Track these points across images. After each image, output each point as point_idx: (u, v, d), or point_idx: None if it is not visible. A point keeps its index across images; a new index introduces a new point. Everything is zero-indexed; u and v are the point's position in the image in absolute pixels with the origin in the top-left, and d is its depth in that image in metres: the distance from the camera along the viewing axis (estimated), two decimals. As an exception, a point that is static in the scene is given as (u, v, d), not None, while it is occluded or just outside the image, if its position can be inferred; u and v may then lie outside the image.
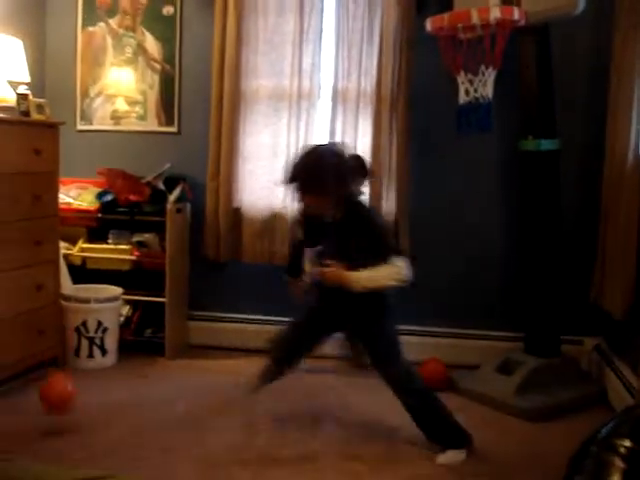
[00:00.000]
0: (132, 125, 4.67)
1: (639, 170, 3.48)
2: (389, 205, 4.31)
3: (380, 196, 4.29)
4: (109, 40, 4.66)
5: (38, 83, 4.54)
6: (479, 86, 3.64)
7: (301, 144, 4.37)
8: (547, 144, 3.82)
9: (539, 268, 3.96)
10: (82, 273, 4.45)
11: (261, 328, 4.54)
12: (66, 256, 4.39)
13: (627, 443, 1.27)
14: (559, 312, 3.96)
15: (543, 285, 3.95)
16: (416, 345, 4.28)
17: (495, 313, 4.40)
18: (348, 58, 4.31)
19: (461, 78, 3.69)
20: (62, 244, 4.30)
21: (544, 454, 3.12)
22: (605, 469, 1.24)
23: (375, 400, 3.78)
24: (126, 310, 4.50)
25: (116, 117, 4.68)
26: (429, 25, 3.68)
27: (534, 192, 3.93)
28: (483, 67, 3.61)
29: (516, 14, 3.53)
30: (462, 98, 3.71)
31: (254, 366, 3.48)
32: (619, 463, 1.24)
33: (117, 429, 3.30)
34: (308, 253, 3.34)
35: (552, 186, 3.90)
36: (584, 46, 4.19)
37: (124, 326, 4.43)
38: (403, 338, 4.13)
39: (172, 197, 4.32)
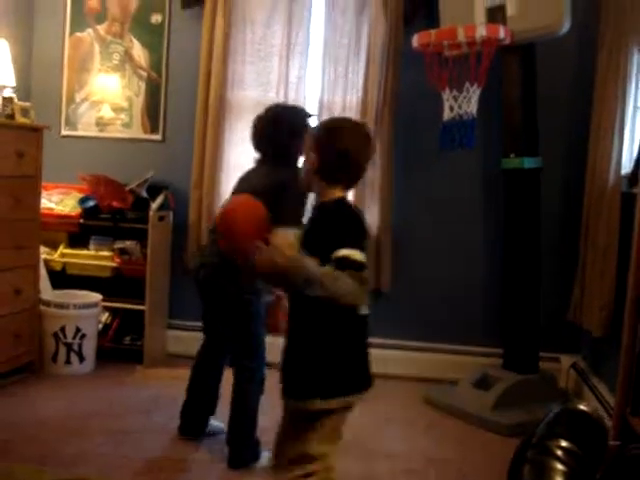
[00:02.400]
0: (117, 132, 4.66)
1: (620, 190, 3.52)
2: (372, 218, 4.32)
3: (363, 210, 4.30)
4: (96, 46, 4.66)
5: (24, 87, 4.54)
6: (463, 103, 3.67)
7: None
8: (530, 162, 3.85)
9: (519, 285, 3.98)
10: (62, 278, 4.42)
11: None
12: (46, 261, 4.36)
13: (563, 443, 1.26)
14: (538, 329, 3.98)
15: (523, 302, 3.97)
16: (396, 359, 4.30)
17: (475, 328, 4.41)
18: (335, 72, 4.35)
19: (446, 95, 3.73)
20: (43, 249, 4.28)
21: (519, 470, 3.12)
22: (545, 474, 1.23)
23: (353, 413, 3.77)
24: (105, 317, 4.48)
25: (101, 124, 4.68)
26: (415, 41, 3.71)
27: (516, 210, 3.96)
28: (468, 84, 3.66)
29: (502, 33, 3.57)
30: (446, 114, 3.74)
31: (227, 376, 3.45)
32: (558, 466, 1.23)
33: (90, 437, 3.26)
34: None
35: (534, 204, 3.93)
36: (569, 65, 4.24)
37: (102, 333, 4.40)
38: (384, 352, 4.14)
39: (155, 205, 4.31)
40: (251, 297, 2.99)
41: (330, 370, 2.03)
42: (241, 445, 3.06)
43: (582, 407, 1.34)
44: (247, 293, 2.96)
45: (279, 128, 2.99)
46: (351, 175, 2.13)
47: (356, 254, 1.89)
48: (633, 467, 1.20)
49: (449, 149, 3.77)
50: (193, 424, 3.30)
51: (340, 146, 2.07)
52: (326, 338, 2.03)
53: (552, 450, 1.25)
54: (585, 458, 1.24)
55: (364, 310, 2.03)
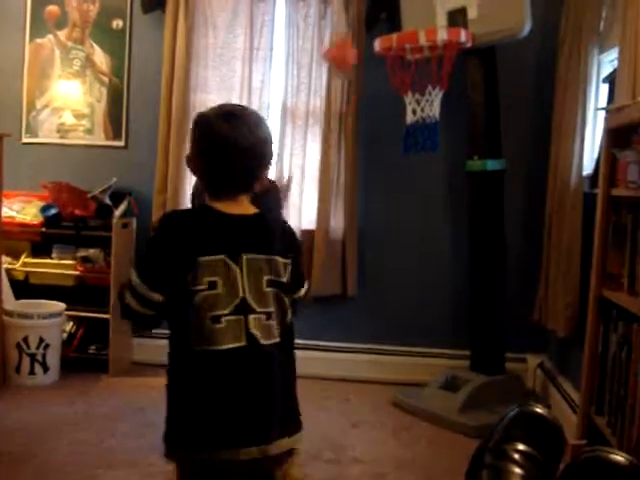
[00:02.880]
0: (79, 139, 4.60)
1: (582, 190, 3.55)
2: (337, 222, 4.33)
3: (328, 213, 4.30)
4: (57, 52, 4.60)
5: (-18, 94, 4.47)
6: (426, 106, 3.68)
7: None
8: (493, 164, 3.87)
9: (485, 287, 4.00)
10: (25, 288, 4.35)
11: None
12: (8, 270, 4.29)
13: (520, 447, 1.26)
14: (503, 330, 4.00)
15: (488, 303, 3.99)
16: (363, 363, 4.30)
17: (443, 330, 4.42)
18: (298, 76, 4.34)
19: (408, 98, 3.74)
20: (4, 258, 4.21)
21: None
22: (503, 478, 1.23)
23: (322, 418, 3.76)
24: (69, 326, 4.42)
25: (63, 130, 4.62)
26: (377, 45, 3.72)
27: (480, 212, 3.98)
28: (430, 87, 3.67)
29: (463, 36, 3.59)
30: (409, 118, 3.75)
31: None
32: (516, 469, 1.23)
33: (56, 449, 3.21)
34: None
35: (497, 206, 3.95)
36: (530, 67, 4.28)
37: (67, 343, 4.34)
38: (352, 356, 4.12)
39: (118, 212, 4.27)
40: None
41: (174, 415, 1.69)
42: None
43: (537, 410, 1.34)
44: None
45: None
46: (210, 180, 1.74)
47: (133, 276, 1.67)
48: (585, 472, 1.20)
49: (413, 152, 3.78)
50: None
51: (192, 144, 1.74)
52: (171, 376, 1.72)
53: (509, 454, 1.25)
54: (542, 460, 1.25)
55: (220, 344, 1.63)
